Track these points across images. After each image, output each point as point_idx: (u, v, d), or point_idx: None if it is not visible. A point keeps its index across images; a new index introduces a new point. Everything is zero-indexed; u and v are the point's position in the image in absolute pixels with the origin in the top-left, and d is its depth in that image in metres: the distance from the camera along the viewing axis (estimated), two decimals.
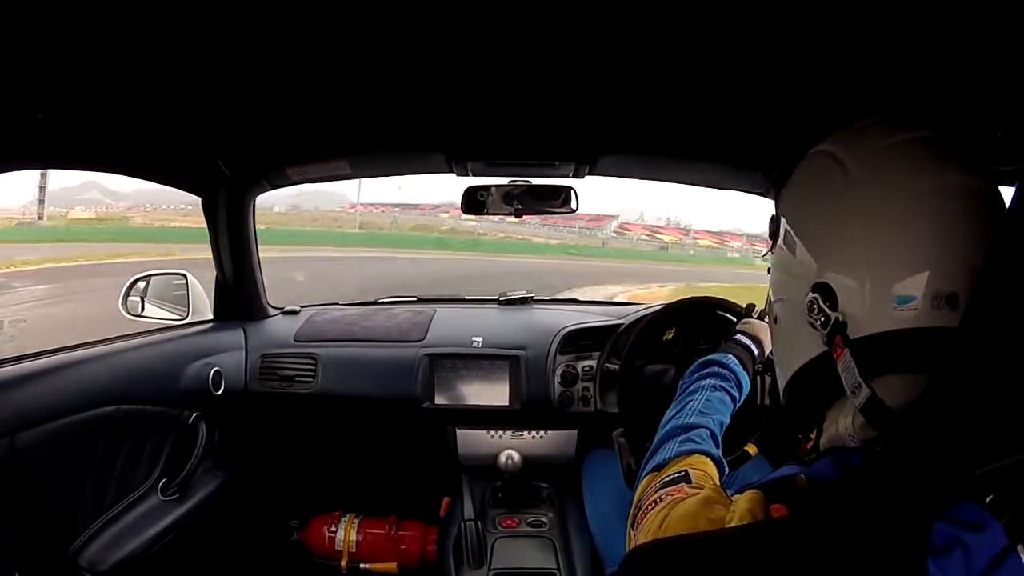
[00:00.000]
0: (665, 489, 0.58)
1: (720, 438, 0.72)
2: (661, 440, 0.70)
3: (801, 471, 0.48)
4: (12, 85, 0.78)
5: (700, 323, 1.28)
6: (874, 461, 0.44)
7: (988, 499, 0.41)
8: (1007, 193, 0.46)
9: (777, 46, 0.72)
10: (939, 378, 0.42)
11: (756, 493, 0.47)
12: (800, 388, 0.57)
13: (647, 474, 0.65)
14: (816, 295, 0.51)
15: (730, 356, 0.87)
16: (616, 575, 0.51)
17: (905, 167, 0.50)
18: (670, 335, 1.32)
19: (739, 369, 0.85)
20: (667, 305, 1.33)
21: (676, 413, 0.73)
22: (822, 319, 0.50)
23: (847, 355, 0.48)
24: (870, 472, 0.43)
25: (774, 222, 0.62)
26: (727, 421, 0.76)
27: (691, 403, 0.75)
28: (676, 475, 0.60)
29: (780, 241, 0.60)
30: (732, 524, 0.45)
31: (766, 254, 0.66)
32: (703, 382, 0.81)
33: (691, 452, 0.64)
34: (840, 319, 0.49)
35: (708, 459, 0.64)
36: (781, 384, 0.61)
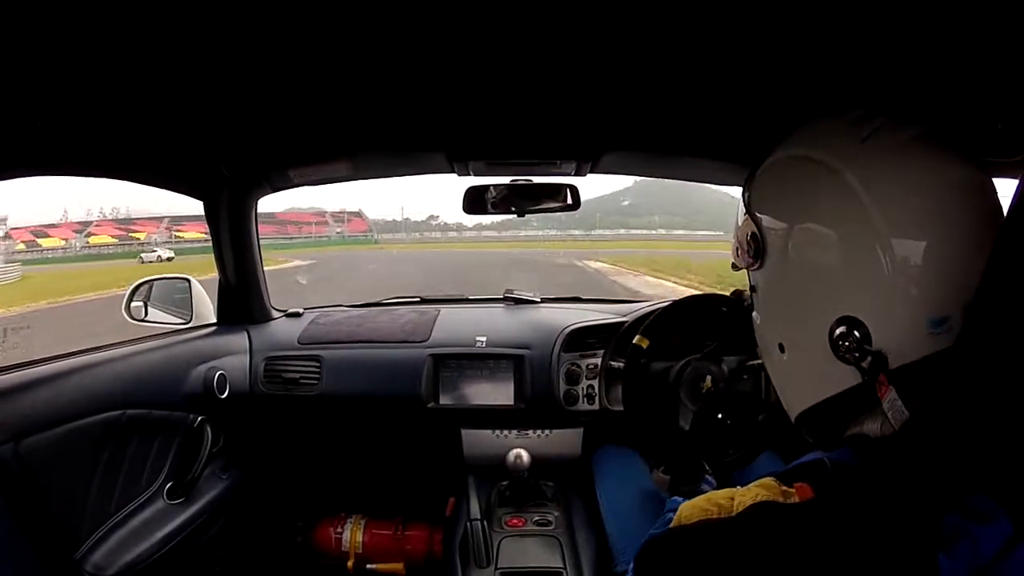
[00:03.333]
0: None
1: None
2: None
3: (825, 456, 0.46)
4: (12, 91, 0.77)
5: (704, 319, 1.28)
6: (891, 448, 0.44)
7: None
8: (1008, 186, 0.44)
9: (781, 42, 0.72)
10: (950, 378, 0.41)
11: (771, 479, 0.46)
12: (823, 417, 0.52)
13: None
14: (844, 328, 0.47)
15: None
16: (635, 564, 0.51)
17: (918, 170, 0.46)
18: (674, 332, 1.31)
19: None
20: (672, 302, 1.33)
21: None
22: (857, 354, 0.46)
23: (893, 393, 0.45)
24: (888, 459, 0.43)
25: (756, 239, 0.56)
26: None
27: None
28: None
29: (771, 261, 0.55)
30: (746, 503, 0.45)
31: (742, 268, 0.61)
32: None
33: None
34: (882, 353, 0.45)
35: None
36: (791, 413, 0.57)
